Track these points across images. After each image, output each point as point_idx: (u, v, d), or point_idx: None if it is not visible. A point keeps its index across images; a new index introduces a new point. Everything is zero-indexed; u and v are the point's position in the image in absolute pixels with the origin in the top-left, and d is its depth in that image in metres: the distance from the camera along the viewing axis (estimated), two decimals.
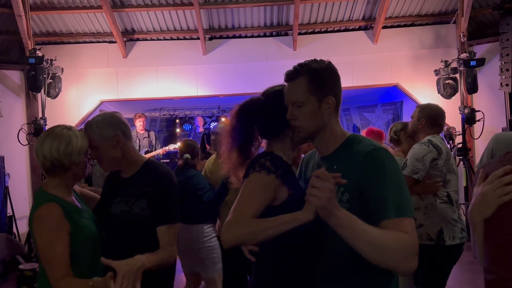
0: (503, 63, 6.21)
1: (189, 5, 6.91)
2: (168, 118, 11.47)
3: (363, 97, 9.68)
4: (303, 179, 1.74)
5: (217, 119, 9.83)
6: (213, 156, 3.99)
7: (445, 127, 7.04)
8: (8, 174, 6.27)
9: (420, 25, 7.61)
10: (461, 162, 6.56)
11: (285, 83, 1.58)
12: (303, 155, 2.02)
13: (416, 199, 2.97)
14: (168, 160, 8.40)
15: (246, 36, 7.73)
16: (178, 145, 7.30)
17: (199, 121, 10.57)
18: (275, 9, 7.23)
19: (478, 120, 6.49)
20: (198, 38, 7.47)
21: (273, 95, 1.65)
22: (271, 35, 7.73)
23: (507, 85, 6.15)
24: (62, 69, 6.68)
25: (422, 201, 2.96)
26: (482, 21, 7.31)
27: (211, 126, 9.90)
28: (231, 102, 9.40)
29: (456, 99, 6.89)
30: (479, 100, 7.14)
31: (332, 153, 1.56)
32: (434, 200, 2.93)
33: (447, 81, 6.82)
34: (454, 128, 6.87)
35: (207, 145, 5.65)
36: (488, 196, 1.14)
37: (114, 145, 1.98)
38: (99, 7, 6.82)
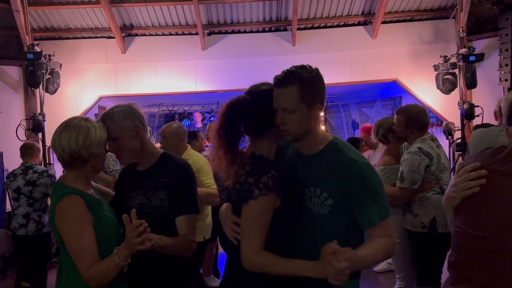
0: (502, 58, 6.20)
1: (188, 0, 6.88)
2: (166, 113, 11.45)
3: (362, 92, 9.68)
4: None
5: (215, 115, 9.82)
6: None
7: (444, 122, 7.06)
8: (7, 170, 6.26)
9: (419, 20, 7.60)
10: (460, 158, 6.57)
11: (274, 87, 1.63)
12: None
13: None
14: None
15: (245, 31, 7.71)
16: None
17: (198, 117, 10.57)
18: (274, 4, 7.21)
19: (477, 115, 6.49)
20: (196, 34, 7.45)
21: (260, 95, 1.68)
22: (270, 30, 7.72)
23: (506, 80, 6.14)
24: (61, 64, 6.65)
25: (416, 195, 3.10)
26: (482, 16, 7.30)
27: (209, 122, 9.89)
28: (230, 97, 9.39)
29: (455, 94, 6.89)
30: (478, 96, 7.14)
31: (315, 154, 1.67)
32: (427, 192, 3.08)
33: (446, 76, 6.81)
34: (453, 123, 6.88)
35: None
36: (455, 188, 1.27)
37: (133, 136, 1.96)
38: (97, 2, 6.79)
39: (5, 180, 6.11)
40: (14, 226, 4.29)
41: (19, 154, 4.55)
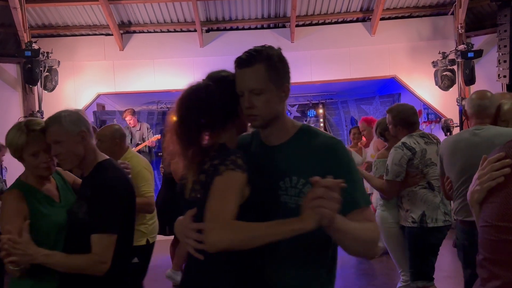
0: (500, 54, 6.21)
1: None
2: (165, 111, 11.40)
3: (361, 89, 9.67)
4: None
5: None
6: None
7: (443, 119, 7.07)
8: (6, 167, 6.26)
9: (418, 16, 7.60)
10: None
11: (237, 68, 1.47)
12: None
13: None
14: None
15: (243, 28, 7.70)
16: (159, 135, 7.33)
17: None
18: (272, 1, 7.20)
19: None
20: (195, 31, 7.44)
21: (223, 82, 1.51)
22: (268, 27, 7.71)
23: (504, 76, 6.15)
24: (59, 62, 6.65)
25: (404, 190, 3.22)
26: (480, 12, 7.30)
27: None
28: None
29: (454, 90, 6.89)
30: None
31: (286, 142, 1.52)
32: (414, 187, 3.18)
33: (444, 73, 6.82)
34: (451, 120, 6.89)
35: None
36: (479, 180, 1.18)
37: (79, 141, 1.93)
38: None
39: (4, 178, 6.12)
40: None
41: None
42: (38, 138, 1.90)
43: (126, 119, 7.60)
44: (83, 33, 7.54)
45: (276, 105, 1.48)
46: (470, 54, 6.41)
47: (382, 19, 7.43)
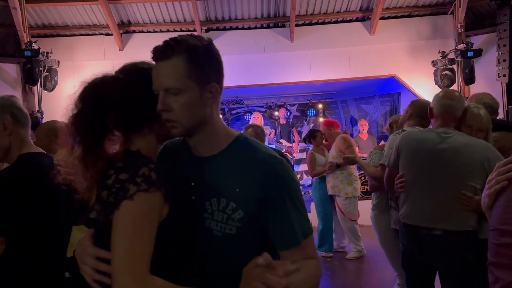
0: (500, 53, 6.22)
1: None
2: None
3: (361, 88, 9.68)
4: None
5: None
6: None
7: None
8: None
9: (417, 16, 7.60)
10: None
11: (153, 60, 1.23)
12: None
13: None
14: None
15: (243, 28, 7.70)
16: None
17: None
18: (272, 1, 7.20)
19: None
20: (195, 30, 7.43)
21: (136, 74, 1.25)
22: (268, 27, 7.71)
23: (504, 75, 6.15)
24: (58, 62, 6.65)
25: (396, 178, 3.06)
26: (480, 11, 7.30)
27: None
28: (228, 94, 9.39)
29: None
30: (476, 91, 7.12)
31: (217, 155, 1.24)
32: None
33: (444, 72, 6.83)
34: None
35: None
36: (488, 185, 1.17)
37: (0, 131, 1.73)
38: None
39: None
40: None
41: None
42: None
43: None
44: (83, 33, 7.53)
45: (200, 108, 1.19)
46: (470, 54, 6.42)
47: (381, 18, 7.43)
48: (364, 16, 7.54)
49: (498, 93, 6.81)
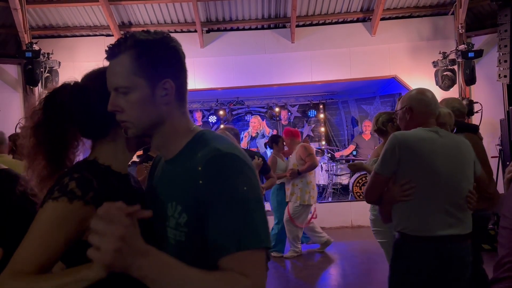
0: (501, 54, 6.21)
1: None
2: None
3: (362, 89, 9.68)
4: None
5: (215, 113, 9.79)
6: None
7: None
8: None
9: (418, 16, 7.59)
10: None
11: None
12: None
13: None
14: None
15: (244, 29, 7.70)
16: None
17: (198, 116, 10.56)
18: (272, 1, 7.20)
19: (476, 112, 6.50)
20: (195, 31, 7.44)
21: (96, 79, 1.19)
22: (269, 28, 7.70)
23: (505, 76, 6.14)
24: (59, 62, 6.65)
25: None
26: (480, 12, 7.30)
27: (209, 120, 9.87)
28: (229, 95, 9.39)
29: (454, 90, 6.89)
30: (477, 92, 7.14)
31: (176, 155, 1.15)
32: None
33: (445, 73, 6.82)
34: None
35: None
36: (505, 177, 1.30)
37: None
38: (96, 0, 6.78)
39: None
40: None
41: None
42: None
43: None
44: (84, 34, 7.54)
45: (152, 107, 1.10)
46: (471, 54, 6.42)
47: (382, 19, 7.43)
48: (365, 16, 7.54)
49: (499, 94, 6.81)
